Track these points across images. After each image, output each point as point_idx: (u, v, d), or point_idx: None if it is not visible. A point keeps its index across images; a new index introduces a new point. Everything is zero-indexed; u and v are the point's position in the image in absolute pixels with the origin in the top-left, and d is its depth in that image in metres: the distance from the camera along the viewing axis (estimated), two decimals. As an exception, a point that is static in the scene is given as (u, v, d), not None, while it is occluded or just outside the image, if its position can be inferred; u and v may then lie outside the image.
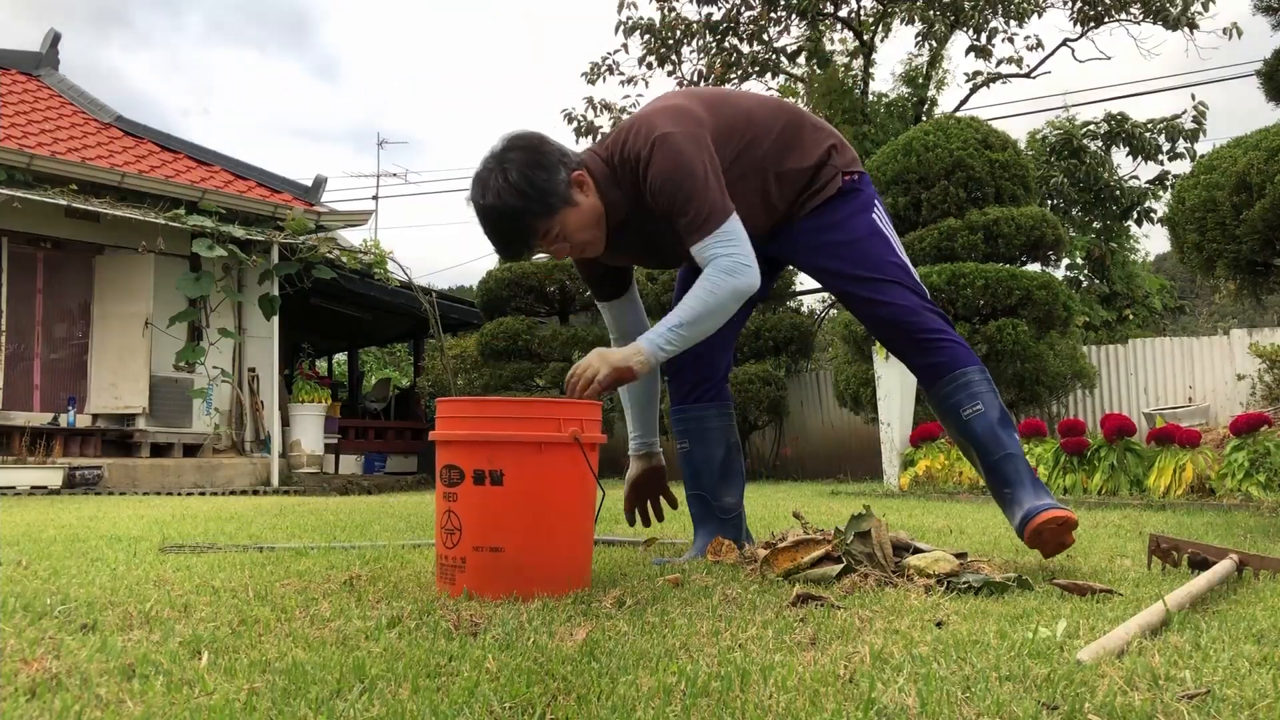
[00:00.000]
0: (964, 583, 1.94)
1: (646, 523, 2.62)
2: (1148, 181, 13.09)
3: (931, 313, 2.28)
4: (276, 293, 9.01)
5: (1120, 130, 12.91)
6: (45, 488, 7.28)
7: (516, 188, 2.05)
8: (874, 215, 2.34)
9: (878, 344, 7.40)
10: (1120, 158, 13.38)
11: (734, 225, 2.07)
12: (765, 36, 13.60)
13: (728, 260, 2.04)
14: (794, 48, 13.90)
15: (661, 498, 2.63)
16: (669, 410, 2.67)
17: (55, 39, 11.46)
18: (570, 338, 11.34)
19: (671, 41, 13.66)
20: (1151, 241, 57.49)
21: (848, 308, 2.39)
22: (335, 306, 11.85)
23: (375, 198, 24.32)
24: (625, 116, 14.12)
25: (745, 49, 13.65)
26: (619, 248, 2.28)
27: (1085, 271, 13.17)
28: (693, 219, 2.06)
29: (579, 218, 2.12)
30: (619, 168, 2.16)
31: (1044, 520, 2.15)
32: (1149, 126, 12.93)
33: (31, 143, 8.73)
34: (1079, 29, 13.11)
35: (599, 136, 14.24)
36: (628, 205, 2.18)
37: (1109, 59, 24.00)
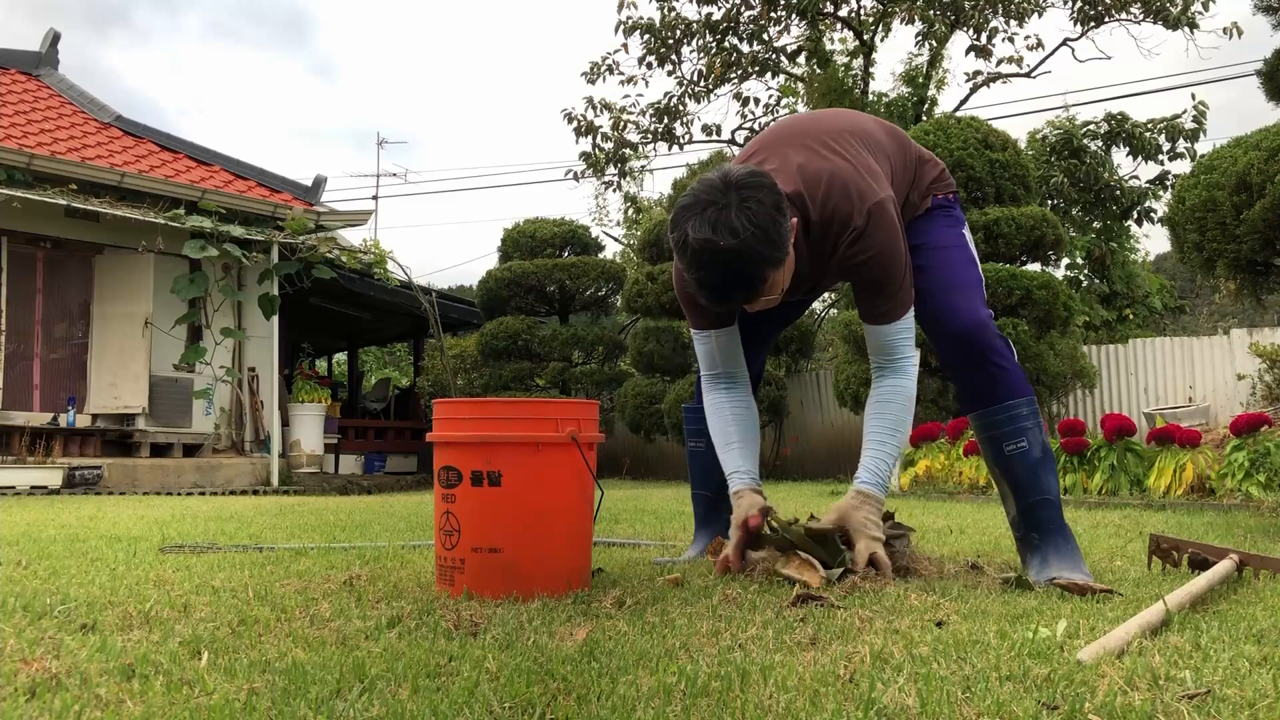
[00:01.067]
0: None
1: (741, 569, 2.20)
2: (1148, 181, 13.07)
3: (999, 337, 2.20)
4: (276, 292, 9.00)
5: (1120, 130, 12.90)
6: (45, 488, 7.28)
7: (763, 232, 1.85)
8: (962, 231, 2.32)
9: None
10: (1120, 158, 13.37)
11: (912, 317, 2.16)
12: (765, 36, 13.59)
13: (912, 368, 2.16)
14: (794, 47, 13.89)
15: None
16: (683, 406, 2.64)
17: (55, 39, 11.46)
18: (570, 337, 11.34)
19: (671, 41, 13.65)
20: (1152, 241, 57.47)
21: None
22: (335, 306, 11.85)
23: (375, 198, 24.33)
24: (628, 117, 14.19)
25: (745, 49, 13.64)
26: None
27: (1085, 271, 13.17)
28: (891, 302, 2.11)
29: (788, 270, 2.00)
30: (815, 224, 2.06)
31: (1067, 584, 1.99)
32: (1149, 126, 12.92)
33: (31, 142, 8.73)
34: (1079, 29, 13.10)
35: (599, 137, 14.23)
36: (806, 259, 2.10)
37: (1109, 59, 24.02)
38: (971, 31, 12.99)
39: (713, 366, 2.34)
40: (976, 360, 2.17)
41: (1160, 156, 12.95)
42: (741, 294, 1.94)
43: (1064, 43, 13.41)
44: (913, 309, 2.15)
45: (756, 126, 14.99)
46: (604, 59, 14.17)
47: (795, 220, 1.98)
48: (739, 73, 13.95)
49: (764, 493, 2.28)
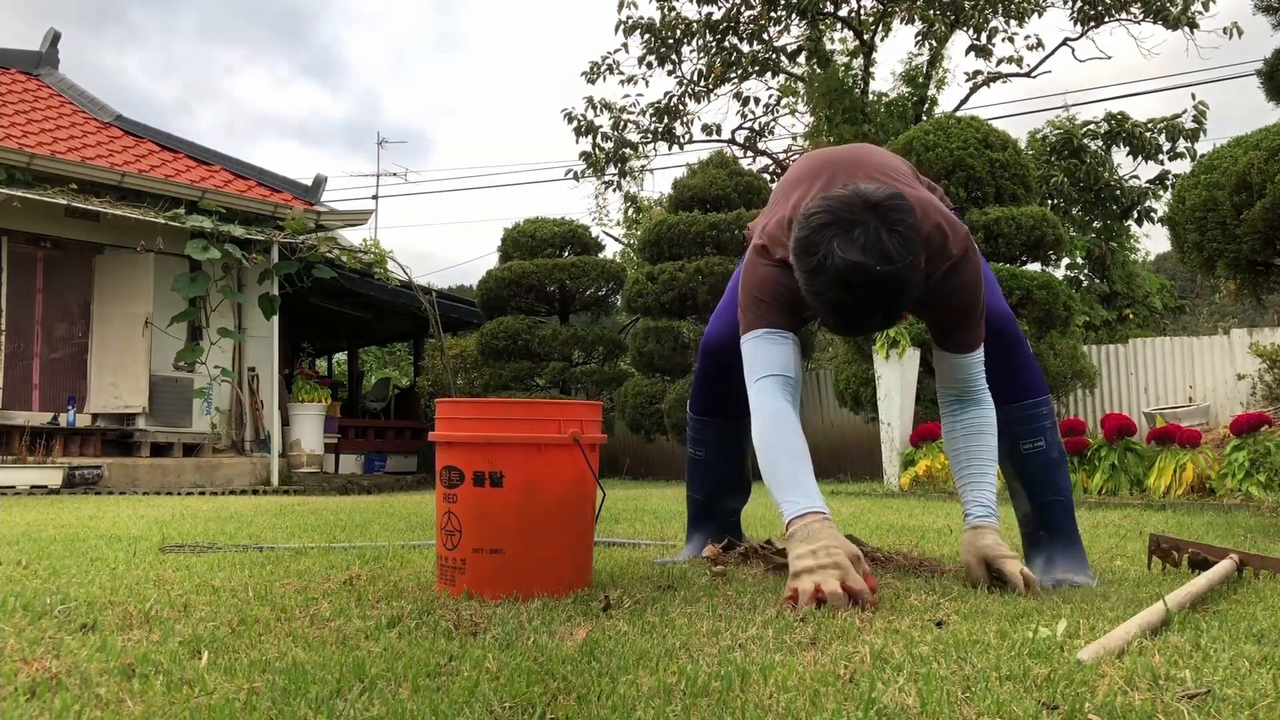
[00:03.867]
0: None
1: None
2: (1148, 181, 13.07)
3: (1021, 332, 2.20)
4: (276, 292, 9.00)
5: (1120, 130, 12.90)
6: (45, 487, 7.27)
7: (915, 259, 1.75)
8: (972, 242, 2.33)
9: (878, 343, 7.39)
10: (1120, 157, 13.37)
11: (983, 349, 2.12)
12: (765, 36, 13.59)
13: (991, 398, 2.09)
14: (794, 47, 13.89)
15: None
16: (691, 415, 2.59)
17: (55, 38, 11.46)
18: (570, 337, 11.33)
19: (671, 41, 13.65)
20: (1152, 241, 57.51)
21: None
22: (335, 306, 11.85)
23: (375, 197, 24.29)
24: (628, 116, 14.18)
25: (745, 48, 13.64)
26: None
27: (1085, 271, 13.17)
28: (973, 333, 2.06)
29: None
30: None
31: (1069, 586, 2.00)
32: (1149, 126, 12.92)
33: (31, 142, 8.73)
34: (1079, 28, 13.11)
35: (599, 136, 14.23)
36: None
37: (1109, 58, 24.02)
38: (971, 31, 12.99)
39: (784, 369, 2.04)
40: (1005, 350, 2.18)
41: (1160, 156, 12.95)
42: (879, 321, 1.79)
43: (1064, 42, 13.41)
44: (983, 345, 2.11)
45: (756, 126, 15.01)
46: (604, 59, 14.18)
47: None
48: (739, 72, 13.95)
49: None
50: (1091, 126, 13.02)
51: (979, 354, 2.08)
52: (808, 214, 1.78)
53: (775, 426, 1.96)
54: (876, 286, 1.71)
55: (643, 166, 15.57)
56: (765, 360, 2.02)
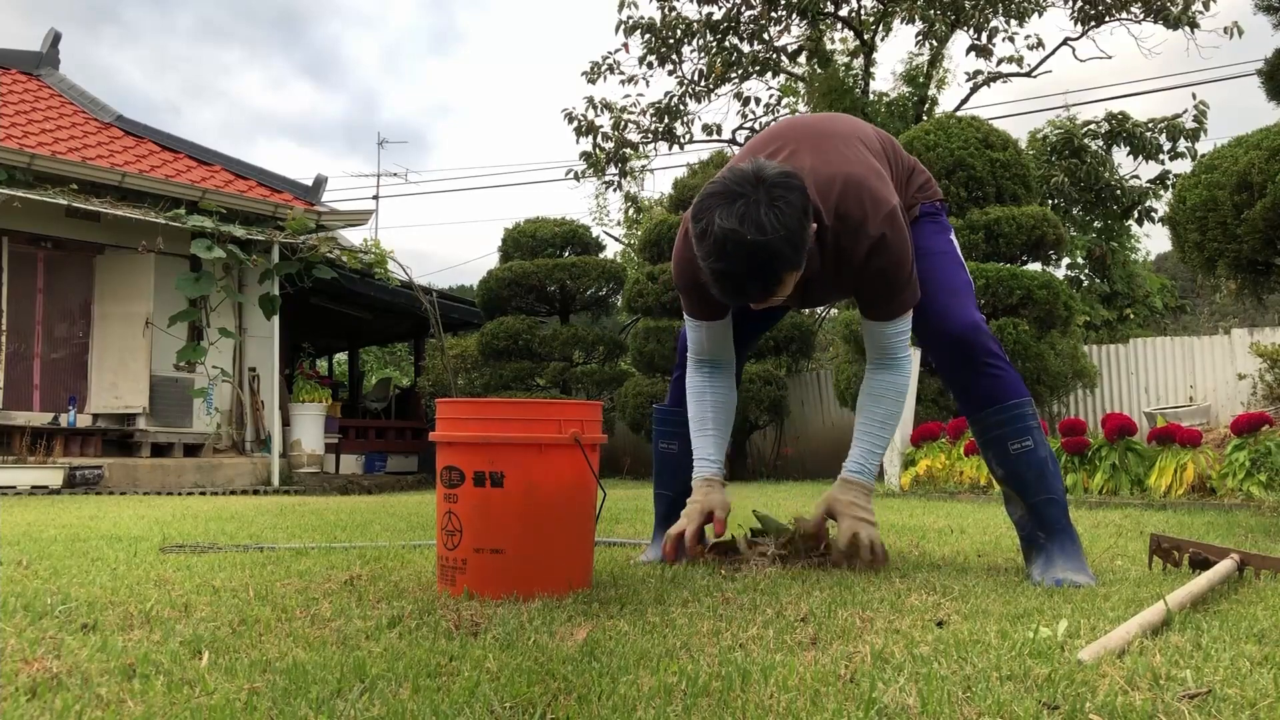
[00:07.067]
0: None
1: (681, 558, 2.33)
2: (1149, 181, 13.07)
3: (992, 339, 2.21)
4: (277, 292, 9.00)
5: (1121, 130, 12.90)
6: (46, 487, 7.28)
7: (790, 233, 1.84)
8: (950, 237, 2.35)
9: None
10: (1121, 157, 13.37)
11: (910, 317, 2.22)
12: (766, 36, 13.59)
13: (907, 363, 2.29)
14: (794, 47, 13.90)
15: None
16: (656, 407, 2.63)
17: (56, 39, 11.46)
18: (570, 337, 11.33)
19: (672, 41, 13.66)
20: (1152, 241, 57.42)
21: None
22: (336, 306, 11.85)
23: (375, 197, 24.33)
24: (629, 116, 14.19)
25: (746, 48, 13.65)
26: None
27: (1086, 271, 13.17)
28: (895, 303, 2.17)
29: (798, 274, 1.95)
30: (828, 229, 2.03)
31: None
32: (1150, 126, 12.91)
33: (32, 142, 8.73)
34: (1080, 28, 13.11)
35: (599, 136, 14.23)
36: (817, 263, 2.08)
37: (1109, 58, 24.00)
38: (972, 31, 13.00)
39: (700, 352, 2.38)
40: (974, 362, 2.18)
41: (1161, 156, 12.95)
42: (756, 290, 1.91)
43: (1064, 42, 13.42)
44: (910, 315, 2.20)
45: (757, 126, 15.00)
46: (605, 59, 14.19)
47: (814, 226, 1.96)
48: (739, 72, 13.96)
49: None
50: (1092, 126, 13.02)
51: (898, 323, 2.22)
52: (709, 184, 1.93)
53: (690, 400, 2.40)
54: (748, 254, 1.83)
55: (643, 166, 15.59)
56: (687, 344, 2.41)
